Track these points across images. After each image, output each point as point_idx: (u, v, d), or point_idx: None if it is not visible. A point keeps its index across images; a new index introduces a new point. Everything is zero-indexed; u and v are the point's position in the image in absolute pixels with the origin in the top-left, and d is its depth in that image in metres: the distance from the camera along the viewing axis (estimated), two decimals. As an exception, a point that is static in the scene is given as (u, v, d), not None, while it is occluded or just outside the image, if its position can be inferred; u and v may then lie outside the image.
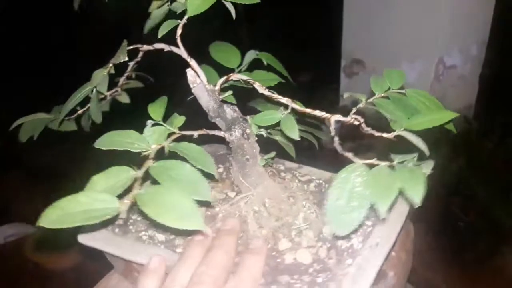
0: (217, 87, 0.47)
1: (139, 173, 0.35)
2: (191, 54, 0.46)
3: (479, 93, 1.58)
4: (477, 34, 1.53)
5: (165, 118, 0.43)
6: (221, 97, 0.47)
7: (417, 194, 0.31)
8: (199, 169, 0.36)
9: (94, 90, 0.52)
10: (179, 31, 0.46)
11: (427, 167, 0.34)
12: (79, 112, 0.59)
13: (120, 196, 0.34)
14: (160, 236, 0.46)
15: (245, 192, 0.48)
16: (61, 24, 2.37)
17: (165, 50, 0.49)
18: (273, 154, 0.50)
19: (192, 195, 0.34)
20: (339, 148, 0.38)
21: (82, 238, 0.48)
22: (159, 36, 0.44)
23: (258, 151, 0.47)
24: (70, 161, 1.58)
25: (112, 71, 0.51)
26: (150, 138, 0.39)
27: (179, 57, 0.48)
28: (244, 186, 0.48)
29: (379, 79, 0.43)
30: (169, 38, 0.47)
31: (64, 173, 1.71)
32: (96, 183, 0.35)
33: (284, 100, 0.43)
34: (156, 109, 0.42)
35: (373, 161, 0.35)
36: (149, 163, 0.36)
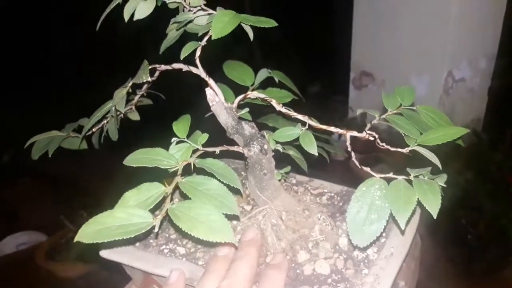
0: (235, 105, 0.50)
1: (169, 188, 0.37)
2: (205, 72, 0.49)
3: (488, 106, 1.58)
4: (486, 47, 1.53)
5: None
6: (238, 114, 0.50)
7: (434, 207, 0.33)
8: (224, 184, 0.38)
9: (113, 108, 0.54)
10: (198, 53, 0.48)
11: (441, 180, 0.36)
12: (94, 130, 0.61)
13: (150, 211, 0.36)
14: (181, 250, 0.48)
15: (262, 205, 0.49)
16: (70, 36, 2.39)
17: (183, 70, 0.52)
18: (288, 168, 0.52)
19: (220, 209, 0.35)
20: (357, 163, 0.40)
21: (105, 253, 0.49)
22: (182, 57, 0.47)
23: (274, 165, 0.49)
24: (80, 170, 1.62)
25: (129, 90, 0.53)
26: (177, 155, 0.41)
27: (187, 76, 0.50)
28: (261, 199, 0.49)
29: (391, 95, 0.45)
30: (176, 57, 0.49)
31: (74, 182, 1.80)
32: (129, 198, 0.37)
33: (301, 117, 0.45)
34: (180, 127, 0.44)
35: (391, 175, 0.37)
36: (178, 179, 0.38)
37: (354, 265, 0.43)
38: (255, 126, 0.49)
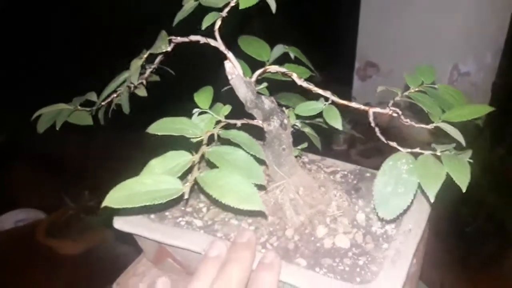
0: (253, 79, 0.49)
1: (196, 157, 0.37)
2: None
3: (491, 101, 1.58)
4: (492, 43, 1.53)
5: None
6: (256, 88, 0.49)
7: (463, 180, 0.34)
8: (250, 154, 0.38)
9: (127, 80, 0.53)
10: (218, 24, 0.48)
11: (466, 156, 0.37)
12: (103, 103, 0.59)
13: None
14: (198, 222, 0.48)
15: (279, 180, 0.49)
16: (74, 15, 2.35)
17: (201, 42, 0.51)
18: (305, 144, 0.52)
19: (248, 178, 0.35)
20: (382, 138, 0.40)
21: (119, 224, 0.48)
22: (203, 27, 0.46)
23: (291, 141, 0.49)
24: (78, 150, 1.62)
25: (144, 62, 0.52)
26: (201, 125, 0.40)
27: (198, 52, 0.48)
28: (278, 175, 0.49)
29: (413, 74, 0.45)
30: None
31: (74, 163, 1.78)
32: (154, 166, 0.36)
33: (323, 92, 0.45)
34: (202, 98, 0.43)
35: (417, 150, 0.38)
36: (204, 148, 0.38)
37: (373, 240, 0.44)
38: (274, 100, 0.48)
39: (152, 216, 0.49)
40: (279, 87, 0.54)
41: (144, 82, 0.60)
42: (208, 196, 0.33)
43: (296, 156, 0.51)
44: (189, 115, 0.45)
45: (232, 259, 0.38)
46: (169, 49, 0.48)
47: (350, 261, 0.41)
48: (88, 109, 0.60)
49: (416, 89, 0.45)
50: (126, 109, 0.56)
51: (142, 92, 0.63)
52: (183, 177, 0.36)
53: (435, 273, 0.88)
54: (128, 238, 0.52)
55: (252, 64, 0.53)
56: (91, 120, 0.61)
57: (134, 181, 0.33)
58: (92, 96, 0.63)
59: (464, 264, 1.19)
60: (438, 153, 0.36)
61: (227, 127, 0.44)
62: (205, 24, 0.46)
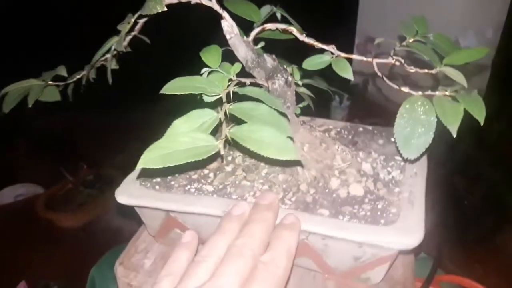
0: (251, 38, 0.48)
1: (221, 114, 0.36)
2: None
3: (491, 78, 1.56)
4: (493, 18, 1.50)
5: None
6: (255, 48, 0.48)
7: (480, 114, 0.36)
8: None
9: (112, 48, 0.50)
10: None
11: (475, 94, 0.39)
12: (79, 76, 0.56)
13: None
14: (209, 187, 0.47)
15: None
16: None
17: (192, 3, 0.49)
18: (306, 103, 0.52)
19: (277, 130, 0.35)
20: (391, 84, 0.41)
21: (123, 198, 0.46)
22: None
23: (294, 99, 0.49)
24: (76, 128, 1.61)
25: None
26: (216, 83, 0.39)
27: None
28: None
29: (407, 24, 0.47)
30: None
31: (70, 136, 1.76)
32: (179, 126, 0.35)
33: (326, 46, 0.45)
34: (210, 56, 0.42)
35: (429, 92, 0.39)
36: (226, 106, 0.37)
37: (384, 186, 0.45)
38: (276, 59, 0.48)
39: (157, 187, 0.47)
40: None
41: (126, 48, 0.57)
42: (243, 150, 0.33)
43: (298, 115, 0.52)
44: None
45: (255, 219, 0.38)
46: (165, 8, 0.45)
47: (369, 207, 0.42)
48: (61, 83, 0.57)
49: (412, 40, 0.47)
50: (109, 78, 0.52)
51: (112, 64, 0.60)
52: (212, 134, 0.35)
53: (431, 248, 0.91)
54: (127, 210, 0.50)
55: (240, 26, 0.52)
56: (59, 96, 0.57)
57: (169, 139, 0.32)
58: (62, 70, 0.58)
59: (460, 237, 1.22)
60: (449, 93, 0.38)
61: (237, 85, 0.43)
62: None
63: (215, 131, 0.35)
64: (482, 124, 0.36)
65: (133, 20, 0.48)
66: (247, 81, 0.44)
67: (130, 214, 0.51)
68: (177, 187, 0.47)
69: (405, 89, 0.40)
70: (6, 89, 0.55)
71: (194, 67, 0.45)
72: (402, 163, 0.49)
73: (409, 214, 0.40)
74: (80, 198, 1.57)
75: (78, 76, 0.56)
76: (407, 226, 0.39)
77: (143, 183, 0.48)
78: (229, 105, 0.37)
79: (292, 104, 0.48)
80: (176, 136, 0.32)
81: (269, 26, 0.48)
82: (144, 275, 0.50)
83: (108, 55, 0.51)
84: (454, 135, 0.36)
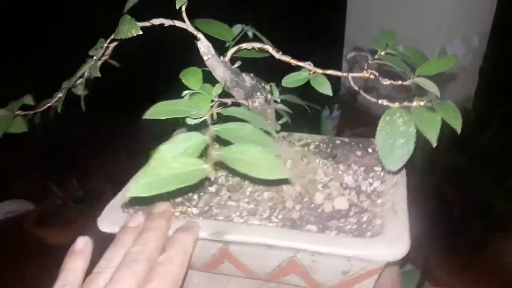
0: (228, 58, 0.49)
1: (208, 137, 0.35)
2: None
3: (479, 85, 1.57)
4: (480, 26, 1.51)
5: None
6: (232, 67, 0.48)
7: (457, 123, 0.37)
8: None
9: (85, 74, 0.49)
10: (184, 4, 0.46)
11: (449, 104, 0.41)
12: (45, 107, 0.54)
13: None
14: (194, 210, 0.46)
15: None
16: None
17: (165, 25, 0.48)
18: (286, 119, 0.53)
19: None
20: (372, 99, 0.42)
21: (104, 226, 0.45)
22: (177, 7, 0.44)
23: (274, 117, 0.50)
24: (65, 139, 1.56)
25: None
26: (200, 106, 0.39)
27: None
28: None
29: (377, 37, 0.49)
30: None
31: (61, 150, 1.74)
32: (166, 151, 0.34)
33: (302, 63, 0.46)
34: (191, 78, 0.42)
35: (407, 103, 0.41)
36: (212, 127, 0.37)
37: (367, 197, 0.46)
38: (255, 77, 0.48)
39: (140, 212, 0.46)
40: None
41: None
42: (232, 171, 0.33)
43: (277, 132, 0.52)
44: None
45: (148, 227, 0.40)
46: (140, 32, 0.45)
47: (355, 220, 0.43)
48: (30, 112, 0.55)
49: (383, 52, 0.48)
50: (83, 106, 0.51)
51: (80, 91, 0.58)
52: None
53: (422, 256, 0.91)
54: None
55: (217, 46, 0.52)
56: (26, 127, 0.56)
57: (159, 165, 0.31)
58: (29, 99, 0.57)
59: (451, 245, 1.22)
60: (425, 104, 0.40)
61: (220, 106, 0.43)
62: (178, 4, 0.44)
63: (202, 154, 0.35)
64: (459, 133, 0.37)
65: (105, 44, 0.48)
66: (229, 101, 0.44)
67: None
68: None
69: (383, 101, 0.42)
70: None
71: (173, 88, 0.44)
72: (382, 174, 0.50)
73: (394, 224, 0.41)
74: (70, 215, 1.57)
75: (47, 104, 0.55)
76: (393, 236, 0.39)
77: (126, 210, 0.47)
78: (215, 127, 0.37)
79: (273, 121, 0.49)
80: (165, 162, 0.32)
81: (245, 45, 0.49)
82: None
83: (79, 81, 0.49)
84: (434, 145, 0.37)
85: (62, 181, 1.60)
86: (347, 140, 0.58)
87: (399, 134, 0.39)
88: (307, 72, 0.45)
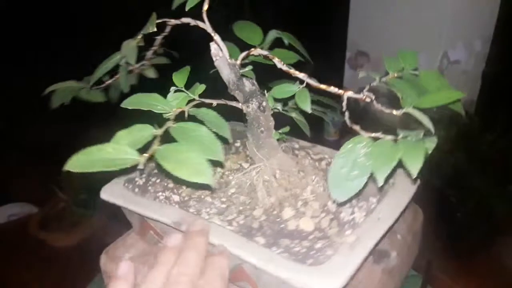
0: (238, 61, 0.50)
1: (160, 131, 0.38)
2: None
3: (482, 89, 1.57)
4: (482, 30, 1.51)
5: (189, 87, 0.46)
6: (241, 71, 0.50)
7: (415, 166, 0.33)
8: (214, 132, 0.39)
9: (123, 61, 0.55)
10: (205, 6, 0.49)
11: (430, 143, 0.36)
12: (108, 82, 0.62)
13: (142, 151, 0.37)
14: (176, 197, 0.49)
15: (258, 163, 0.50)
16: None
17: (190, 24, 0.52)
18: (287, 128, 0.52)
19: (206, 154, 0.36)
20: (348, 122, 0.40)
21: (105, 196, 0.51)
22: (187, 9, 0.47)
23: (273, 124, 0.50)
24: (71, 142, 1.57)
25: (142, 44, 0.54)
26: (173, 102, 0.42)
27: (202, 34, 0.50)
28: (257, 157, 0.50)
29: (394, 59, 0.45)
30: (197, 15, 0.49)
31: (65, 154, 1.81)
32: (120, 137, 0.38)
33: (301, 75, 0.45)
34: (179, 77, 0.45)
35: (379, 134, 0.37)
36: (169, 123, 0.39)
37: (338, 225, 0.43)
38: (255, 83, 0.49)
39: (136, 190, 0.52)
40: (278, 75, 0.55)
41: (147, 63, 0.63)
42: (161, 169, 0.35)
43: (278, 140, 0.52)
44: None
45: (188, 246, 0.41)
46: (164, 33, 0.50)
47: (308, 244, 0.41)
48: (96, 87, 0.64)
49: (396, 75, 0.44)
50: (124, 87, 0.58)
51: (151, 73, 0.66)
52: (146, 149, 0.38)
53: (424, 259, 0.86)
54: (119, 229, 0.56)
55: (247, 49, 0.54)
56: (103, 97, 0.64)
57: (98, 148, 0.36)
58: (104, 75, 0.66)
59: (453, 249, 1.21)
60: (398, 138, 0.36)
61: (204, 106, 0.45)
62: (189, 5, 0.47)
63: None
64: (413, 177, 0.33)
65: (139, 37, 0.54)
66: (214, 102, 0.46)
67: (122, 232, 0.57)
68: (152, 192, 0.51)
69: (356, 127, 0.39)
70: (52, 87, 0.64)
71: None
72: (373, 206, 0.46)
73: (341, 259, 0.38)
74: (73, 218, 1.55)
75: (107, 82, 0.63)
76: (330, 270, 0.37)
77: (126, 184, 0.53)
78: (173, 123, 0.39)
79: (267, 129, 0.49)
80: (104, 145, 0.36)
81: (253, 52, 0.49)
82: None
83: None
84: (379, 184, 0.33)
85: (63, 185, 1.59)
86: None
87: (356, 165, 0.36)
88: (297, 86, 0.44)
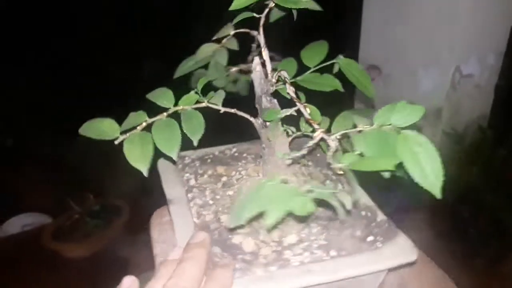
0: (273, 79, 0.52)
1: (149, 121, 0.47)
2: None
3: (494, 103, 1.56)
4: (495, 44, 1.49)
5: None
6: (273, 88, 0.52)
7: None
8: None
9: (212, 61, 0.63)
10: (262, 21, 0.53)
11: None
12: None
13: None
14: (192, 182, 0.57)
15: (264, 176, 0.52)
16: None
17: (251, 35, 0.56)
18: (300, 153, 0.51)
19: (164, 148, 0.44)
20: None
21: (161, 168, 0.61)
22: (234, 23, 0.53)
23: (282, 144, 0.50)
24: (83, 154, 1.55)
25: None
26: (180, 101, 0.49)
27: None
28: (263, 171, 0.52)
29: (386, 111, 0.39)
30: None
31: (78, 165, 1.77)
32: (132, 118, 0.48)
33: (299, 104, 0.45)
34: (200, 82, 0.51)
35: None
36: (160, 116, 0.47)
37: (282, 254, 0.43)
38: (274, 101, 0.50)
39: (180, 166, 0.61)
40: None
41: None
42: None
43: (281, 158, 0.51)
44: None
45: (186, 257, 0.41)
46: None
47: (227, 260, 0.43)
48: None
49: (374, 126, 0.39)
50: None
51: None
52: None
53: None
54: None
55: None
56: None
57: (99, 120, 0.47)
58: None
59: (466, 266, 1.18)
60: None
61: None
62: (236, 20, 0.52)
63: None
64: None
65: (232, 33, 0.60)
66: (222, 109, 0.50)
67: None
68: (190, 173, 0.60)
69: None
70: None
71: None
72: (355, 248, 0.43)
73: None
74: (87, 229, 1.57)
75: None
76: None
77: (178, 161, 0.63)
78: (160, 118, 0.47)
79: (268, 147, 0.50)
80: (106, 121, 0.47)
81: (280, 73, 0.50)
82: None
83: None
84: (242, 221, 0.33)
85: (79, 197, 1.61)
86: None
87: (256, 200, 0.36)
88: (286, 112, 0.45)
